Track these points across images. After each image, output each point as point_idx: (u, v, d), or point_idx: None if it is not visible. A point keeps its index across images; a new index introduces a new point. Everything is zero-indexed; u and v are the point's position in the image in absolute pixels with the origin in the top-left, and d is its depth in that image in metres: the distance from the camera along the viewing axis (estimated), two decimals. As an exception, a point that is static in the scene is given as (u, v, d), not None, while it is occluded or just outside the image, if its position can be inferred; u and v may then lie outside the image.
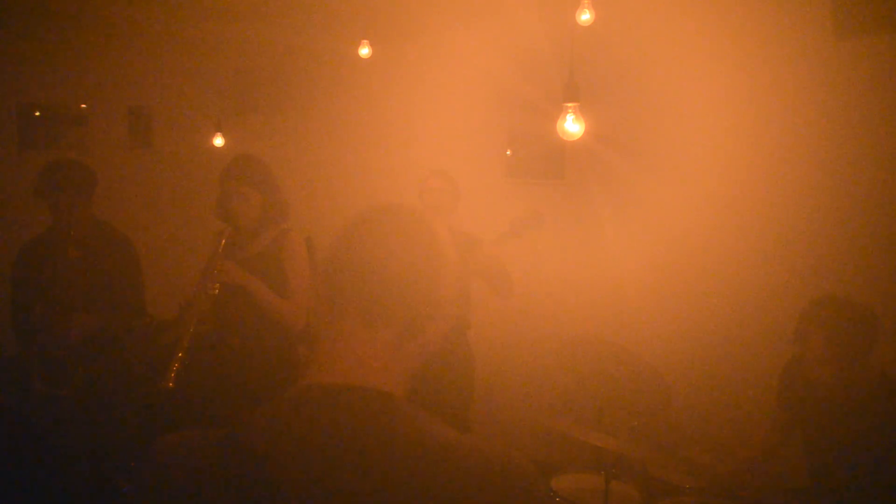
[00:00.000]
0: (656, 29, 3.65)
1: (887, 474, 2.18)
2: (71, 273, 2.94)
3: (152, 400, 2.98)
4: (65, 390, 2.86)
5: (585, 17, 2.79)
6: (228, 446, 0.84)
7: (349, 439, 0.82)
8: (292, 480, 0.80)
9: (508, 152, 4.44)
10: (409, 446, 0.82)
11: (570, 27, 2.75)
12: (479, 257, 2.99)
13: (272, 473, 0.81)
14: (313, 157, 5.43)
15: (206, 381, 2.95)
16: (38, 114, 4.79)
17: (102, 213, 3.14)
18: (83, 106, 4.96)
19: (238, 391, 2.75)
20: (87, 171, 3.02)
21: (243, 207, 2.78)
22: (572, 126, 2.31)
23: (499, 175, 4.46)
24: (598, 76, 3.55)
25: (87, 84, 4.93)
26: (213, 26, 4.66)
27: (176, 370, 2.59)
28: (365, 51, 3.89)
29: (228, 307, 2.79)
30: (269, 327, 2.80)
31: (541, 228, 2.83)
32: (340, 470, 0.80)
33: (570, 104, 2.30)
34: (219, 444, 0.85)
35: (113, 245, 3.08)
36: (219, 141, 4.84)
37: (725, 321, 3.39)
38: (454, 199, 3.34)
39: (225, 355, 2.87)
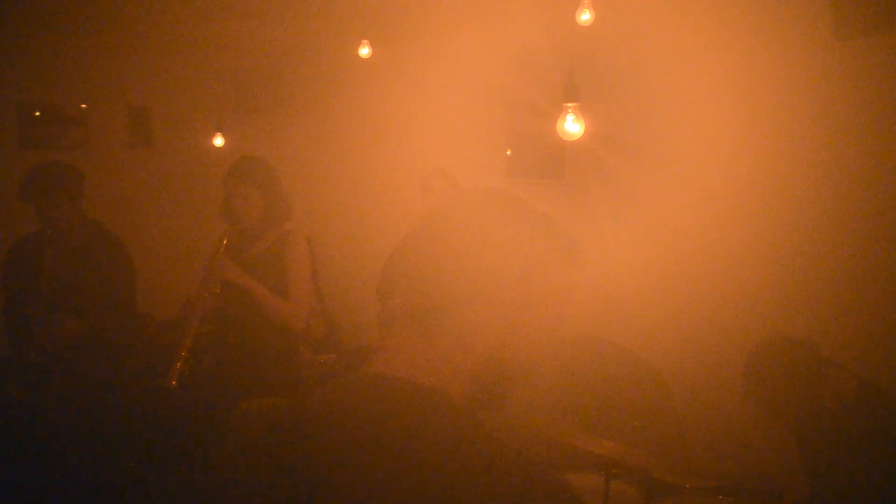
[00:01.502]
0: (656, 29, 3.65)
1: (882, 479, 2.18)
2: (54, 275, 2.87)
3: (153, 399, 2.95)
4: (45, 397, 2.76)
5: (585, 17, 2.79)
6: (291, 415, 0.93)
7: (384, 426, 0.86)
8: (334, 454, 0.85)
9: (508, 152, 4.44)
10: (436, 442, 0.84)
11: (570, 27, 2.75)
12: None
13: (319, 446, 0.87)
14: (313, 157, 5.43)
15: (207, 381, 2.95)
16: (38, 114, 4.79)
17: (101, 213, 3.12)
18: (83, 106, 4.96)
19: (239, 390, 2.76)
20: (72, 172, 2.94)
21: (245, 208, 2.79)
22: (572, 126, 2.31)
23: (499, 175, 4.45)
24: (598, 76, 3.54)
25: (87, 84, 4.93)
26: (213, 26, 4.66)
27: (179, 369, 2.59)
28: (365, 51, 3.89)
29: (230, 307, 2.79)
30: (270, 327, 2.80)
31: None
32: (371, 455, 0.83)
33: (570, 104, 2.31)
34: (284, 413, 0.94)
35: (103, 246, 3.00)
36: (219, 141, 4.84)
37: (725, 321, 3.38)
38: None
39: (226, 355, 2.87)
